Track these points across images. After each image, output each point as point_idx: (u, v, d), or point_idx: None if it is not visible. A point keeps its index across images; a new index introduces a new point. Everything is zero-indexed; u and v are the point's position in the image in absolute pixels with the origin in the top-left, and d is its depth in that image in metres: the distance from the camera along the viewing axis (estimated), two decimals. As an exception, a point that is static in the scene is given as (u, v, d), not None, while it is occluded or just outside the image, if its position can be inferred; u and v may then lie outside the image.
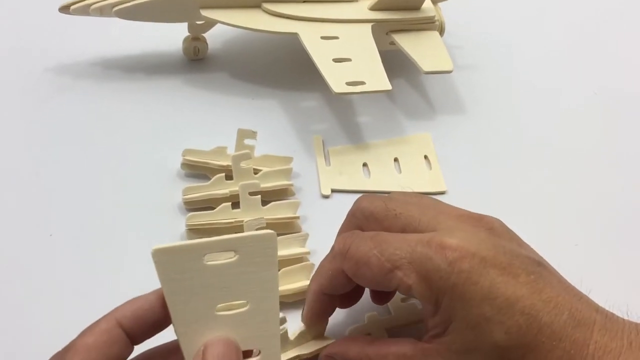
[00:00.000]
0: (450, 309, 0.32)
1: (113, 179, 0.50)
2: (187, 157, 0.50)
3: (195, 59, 0.59)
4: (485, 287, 0.32)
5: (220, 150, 0.50)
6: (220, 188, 0.48)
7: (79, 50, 0.58)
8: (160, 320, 0.30)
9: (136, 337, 0.30)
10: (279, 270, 0.41)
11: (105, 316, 0.30)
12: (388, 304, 0.43)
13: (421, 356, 0.34)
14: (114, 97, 0.55)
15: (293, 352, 0.39)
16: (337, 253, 0.37)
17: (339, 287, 0.38)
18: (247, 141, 0.50)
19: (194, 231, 0.46)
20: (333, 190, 0.51)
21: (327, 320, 0.40)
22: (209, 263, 0.28)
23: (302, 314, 0.40)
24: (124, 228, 0.47)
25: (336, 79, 0.50)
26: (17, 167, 0.50)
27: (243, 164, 0.48)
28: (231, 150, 0.50)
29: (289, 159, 0.51)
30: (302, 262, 0.44)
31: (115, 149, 0.52)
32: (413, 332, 0.41)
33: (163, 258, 0.27)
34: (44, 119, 0.53)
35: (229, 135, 0.50)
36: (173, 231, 0.47)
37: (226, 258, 0.28)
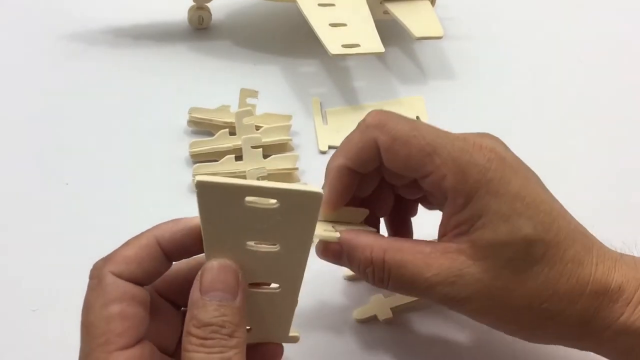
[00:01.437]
0: (483, 203, 0.33)
1: (124, 135, 0.53)
2: (193, 115, 0.53)
3: (200, 28, 0.63)
4: (517, 186, 0.34)
5: (224, 109, 0.54)
6: (224, 142, 0.51)
7: (91, 18, 0.61)
8: (197, 246, 0.31)
9: (172, 256, 0.32)
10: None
11: (145, 232, 0.31)
12: None
13: (440, 253, 0.34)
14: (124, 62, 0.59)
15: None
16: (372, 125, 0.36)
17: (367, 162, 0.36)
18: (249, 100, 0.54)
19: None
20: (330, 147, 0.54)
21: (345, 200, 0.38)
22: (248, 204, 0.28)
23: None
24: (136, 178, 0.50)
25: (332, 42, 0.54)
26: (34, 125, 0.53)
27: (245, 120, 0.51)
28: (234, 109, 0.53)
29: (288, 117, 0.54)
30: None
31: (125, 109, 0.55)
32: (419, 309, 0.44)
33: (205, 190, 0.27)
34: (58, 82, 0.57)
35: (233, 96, 0.54)
36: (181, 181, 0.50)
37: (267, 204, 0.28)
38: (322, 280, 0.45)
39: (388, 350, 0.43)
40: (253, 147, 0.50)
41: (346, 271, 0.46)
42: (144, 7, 0.63)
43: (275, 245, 0.30)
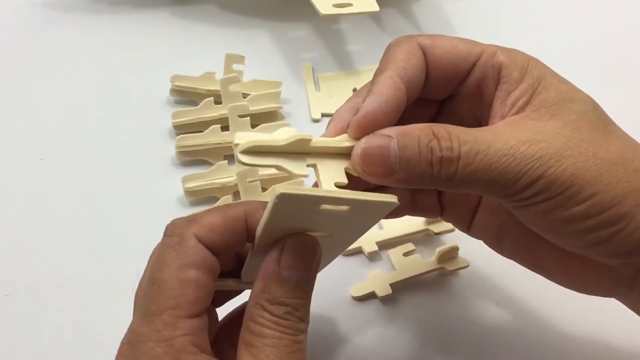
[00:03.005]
0: (540, 71, 0.31)
1: (102, 106, 0.50)
2: (176, 83, 0.50)
3: (183, -8, 0.59)
4: None
5: (209, 76, 0.50)
6: (209, 111, 0.48)
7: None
8: None
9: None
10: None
11: (235, 204, 0.30)
12: (390, 255, 0.43)
13: (504, 126, 0.30)
14: (102, 30, 0.55)
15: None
16: (413, 35, 0.33)
17: (418, 71, 0.32)
18: (236, 66, 0.50)
19: (184, 153, 0.46)
20: (323, 115, 0.51)
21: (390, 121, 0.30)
22: (322, 208, 0.27)
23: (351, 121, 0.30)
24: (116, 151, 0.47)
25: (322, 1, 0.50)
26: (8, 96, 0.50)
27: (232, 88, 0.48)
28: (220, 76, 0.50)
29: (277, 83, 0.51)
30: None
31: (104, 79, 0.52)
32: (418, 286, 0.42)
33: (284, 200, 0.26)
34: (33, 50, 0.53)
35: (218, 64, 0.50)
36: (164, 153, 0.47)
37: (339, 207, 0.27)
38: (315, 256, 0.42)
39: (386, 329, 0.40)
40: (240, 116, 0.47)
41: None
42: (123, -29, 0.59)
43: (329, 234, 0.29)
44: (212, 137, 0.46)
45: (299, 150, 0.28)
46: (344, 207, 0.27)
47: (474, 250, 0.43)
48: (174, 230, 0.29)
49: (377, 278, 0.42)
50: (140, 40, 0.55)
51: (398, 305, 0.41)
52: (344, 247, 0.33)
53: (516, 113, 0.31)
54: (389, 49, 0.33)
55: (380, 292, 0.41)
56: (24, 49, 0.53)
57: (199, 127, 0.48)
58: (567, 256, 0.33)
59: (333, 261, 0.43)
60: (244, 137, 0.27)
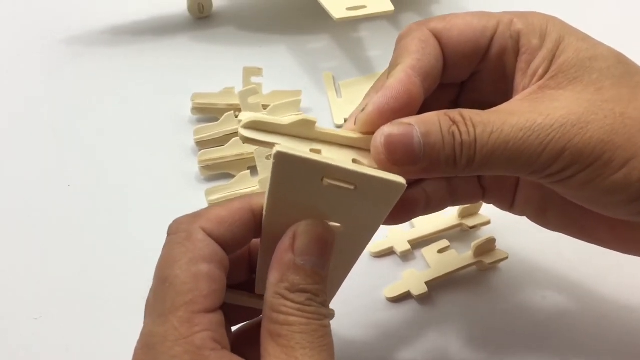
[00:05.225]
0: (558, 34, 0.29)
1: (126, 131, 0.50)
2: (197, 101, 0.50)
3: (201, 17, 0.60)
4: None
5: (228, 91, 0.50)
6: (229, 125, 0.48)
7: (90, 19, 0.59)
8: None
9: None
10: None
11: (239, 197, 0.29)
12: (424, 254, 0.41)
13: (520, 99, 0.29)
14: (125, 60, 0.56)
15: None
16: (423, 21, 0.31)
17: (434, 61, 0.30)
18: (254, 79, 0.50)
19: (207, 168, 0.46)
20: (346, 120, 0.50)
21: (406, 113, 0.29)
22: (325, 182, 0.26)
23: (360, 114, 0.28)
24: (141, 173, 0.47)
25: (336, 5, 0.50)
26: (36, 127, 0.51)
27: (251, 100, 0.48)
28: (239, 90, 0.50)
29: (297, 92, 0.50)
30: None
31: (127, 106, 0.52)
32: (455, 283, 0.40)
33: (283, 162, 0.25)
34: (58, 84, 0.54)
35: (239, 81, 0.50)
36: (187, 170, 0.47)
37: (344, 184, 0.26)
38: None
39: (424, 329, 0.38)
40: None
41: (372, 247, 0.41)
42: (142, 3, 0.60)
43: (338, 225, 0.28)
44: (233, 149, 0.46)
45: (304, 135, 0.27)
46: (350, 186, 0.26)
47: (512, 242, 0.41)
48: (179, 227, 0.28)
49: (411, 277, 0.40)
50: (161, 65, 0.55)
51: (436, 305, 0.39)
52: (360, 248, 0.30)
53: (539, 80, 0.29)
54: (400, 40, 0.31)
55: (415, 291, 0.39)
56: (50, 82, 0.54)
57: (220, 142, 0.47)
58: (617, 223, 0.31)
59: (365, 264, 0.41)
60: (249, 115, 0.27)
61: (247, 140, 0.26)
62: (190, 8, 0.59)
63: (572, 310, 0.39)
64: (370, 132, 0.28)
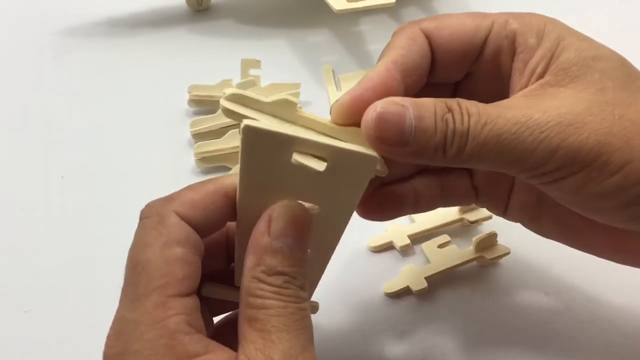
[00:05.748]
0: (557, 34, 0.29)
1: (122, 123, 0.49)
2: (194, 93, 0.49)
3: (200, 10, 0.59)
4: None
5: (226, 83, 0.49)
6: (227, 117, 0.47)
7: (86, 11, 0.58)
8: None
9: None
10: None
11: (213, 179, 0.29)
12: (424, 249, 0.40)
13: (521, 97, 0.28)
14: (122, 52, 0.55)
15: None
16: (417, 20, 0.31)
17: (418, 57, 0.29)
18: (252, 71, 0.49)
19: (203, 160, 0.45)
20: (345, 114, 0.49)
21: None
22: (295, 160, 0.25)
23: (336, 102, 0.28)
24: (136, 166, 0.46)
25: (336, -2, 0.49)
26: (30, 118, 0.50)
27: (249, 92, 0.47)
28: (237, 83, 0.49)
29: (296, 85, 0.49)
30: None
31: (124, 98, 0.51)
32: (456, 279, 0.39)
33: (251, 136, 0.25)
34: (54, 75, 0.53)
35: (237, 73, 0.50)
36: (183, 163, 0.46)
37: (314, 162, 0.25)
38: (345, 253, 0.40)
39: (423, 326, 0.37)
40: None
41: (371, 241, 0.40)
42: (140, -5, 0.60)
43: (314, 206, 0.27)
44: (230, 142, 0.45)
45: (285, 117, 0.26)
46: (319, 165, 0.25)
47: (514, 238, 0.40)
48: (151, 211, 0.27)
49: (411, 272, 0.39)
50: (158, 57, 0.55)
51: (435, 301, 0.38)
52: (338, 231, 0.29)
53: (538, 78, 0.28)
54: (392, 36, 0.31)
55: (415, 287, 0.38)
56: (45, 73, 0.53)
57: (217, 134, 0.46)
58: (615, 231, 0.30)
59: (363, 259, 0.41)
60: (232, 89, 0.26)
61: (227, 111, 0.26)
62: (188, 0, 0.58)
63: (574, 308, 0.38)
64: (346, 123, 0.27)
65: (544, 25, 0.29)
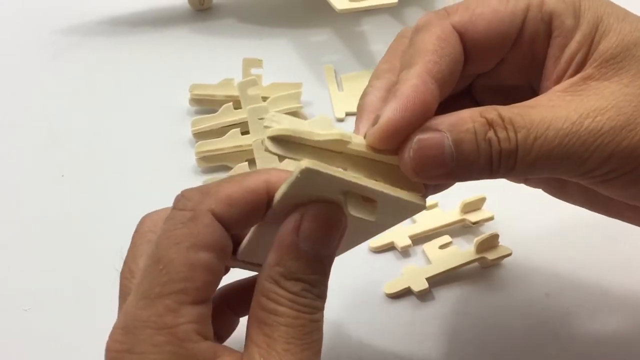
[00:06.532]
0: (594, 10, 0.26)
1: (123, 122, 0.49)
2: (195, 92, 0.49)
3: (202, 9, 0.59)
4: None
5: (227, 82, 0.49)
6: (228, 117, 0.47)
7: (87, 10, 0.58)
8: None
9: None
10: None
11: (253, 174, 0.26)
12: (425, 249, 0.40)
13: (561, 92, 0.26)
14: (123, 51, 0.55)
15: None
16: (445, 11, 0.28)
17: (454, 62, 0.27)
18: (254, 70, 0.49)
19: (204, 159, 0.45)
20: (347, 114, 0.49)
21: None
22: (349, 214, 0.24)
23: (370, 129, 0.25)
24: (136, 165, 0.46)
25: (338, -3, 0.49)
26: (30, 117, 0.50)
27: (250, 91, 0.47)
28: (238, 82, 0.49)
29: (298, 84, 0.49)
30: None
31: (125, 97, 0.51)
32: (457, 280, 0.39)
33: (308, 174, 0.23)
34: (55, 74, 0.53)
35: (239, 73, 0.49)
36: (184, 162, 0.46)
37: (367, 212, 0.25)
38: (345, 253, 0.39)
39: (424, 327, 0.37)
40: (260, 119, 0.45)
41: (372, 241, 0.40)
42: (142, -6, 0.59)
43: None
44: (231, 141, 0.45)
45: (335, 149, 0.25)
46: (371, 216, 0.25)
47: (515, 239, 0.40)
48: (186, 204, 0.25)
49: (411, 273, 0.39)
50: (160, 56, 0.54)
51: (436, 302, 0.38)
52: (362, 241, 0.30)
53: (575, 72, 0.26)
54: (417, 33, 0.28)
55: (416, 287, 0.38)
56: (46, 72, 0.53)
57: (218, 134, 0.46)
58: None
59: (364, 259, 0.40)
60: (278, 120, 0.23)
61: (272, 153, 0.23)
62: (190, 0, 0.58)
63: (576, 309, 0.38)
64: (382, 148, 0.25)
65: (579, 2, 0.27)
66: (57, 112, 0.50)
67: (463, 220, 0.41)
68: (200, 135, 0.47)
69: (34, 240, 0.42)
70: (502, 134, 0.24)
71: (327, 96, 0.51)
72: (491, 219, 0.41)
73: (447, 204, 0.42)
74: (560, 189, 0.32)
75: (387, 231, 0.40)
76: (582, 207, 0.32)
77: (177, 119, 0.49)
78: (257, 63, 0.49)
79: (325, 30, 0.57)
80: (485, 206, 0.41)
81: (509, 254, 0.39)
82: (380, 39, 0.56)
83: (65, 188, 0.45)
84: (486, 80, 0.30)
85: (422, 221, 0.41)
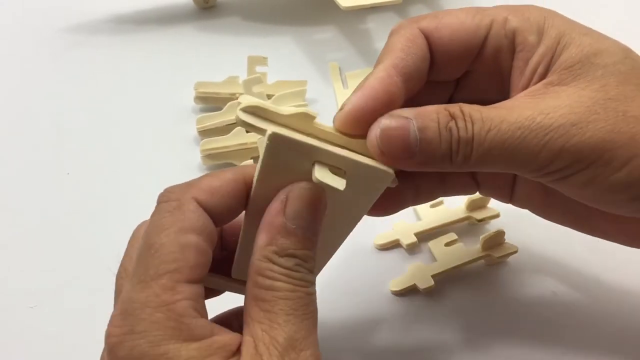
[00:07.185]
0: (557, 29, 0.28)
1: (128, 120, 0.49)
2: (200, 90, 0.49)
3: (206, 7, 0.59)
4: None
5: (232, 80, 0.49)
6: (233, 114, 0.47)
7: (92, 8, 0.58)
8: None
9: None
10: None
11: (233, 168, 0.28)
12: (431, 247, 0.40)
13: (523, 96, 0.28)
14: (128, 49, 0.55)
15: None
16: (416, 18, 0.31)
17: (418, 60, 0.29)
18: (259, 68, 0.49)
19: (209, 157, 0.45)
20: (352, 112, 0.49)
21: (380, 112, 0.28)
22: (317, 179, 0.25)
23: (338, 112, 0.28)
24: (141, 163, 0.46)
25: (343, -5, 0.49)
26: (35, 115, 0.50)
27: (255, 89, 0.47)
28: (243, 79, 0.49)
29: (303, 82, 0.49)
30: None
31: (129, 95, 0.51)
32: (463, 277, 0.39)
33: (277, 143, 0.25)
34: (60, 72, 0.53)
35: (243, 71, 0.49)
36: (189, 160, 0.46)
37: (335, 180, 0.26)
38: (351, 251, 0.40)
39: (429, 324, 0.37)
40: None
41: (377, 239, 0.40)
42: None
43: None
44: (236, 139, 0.45)
45: (301, 129, 0.26)
46: (341, 181, 0.26)
47: (521, 236, 0.40)
48: (169, 196, 0.27)
49: (417, 270, 0.38)
50: (165, 54, 0.54)
51: (442, 299, 0.38)
52: (343, 235, 0.30)
53: (538, 81, 0.28)
54: (390, 36, 0.31)
55: (421, 285, 0.38)
56: (51, 70, 0.53)
57: (223, 131, 0.46)
58: (622, 218, 0.30)
59: (370, 257, 0.40)
60: (249, 99, 0.26)
61: (243, 123, 0.26)
62: (194, -2, 0.58)
63: (583, 307, 0.38)
64: (348, 132, 0.27)
65: (543, 21, 0.29)
66: (62, 110, 0.50)
67: (469, 217, 0.41)
68: (205, 133, 0.46)
69: (39, 238, 0.42)
70: (461, 124, 0.27)
71: (332, 94, 0.51)
72: (497, 216, 0.41)
73: (453, 201, 0.42)
74: (543, 209, 0.33)
75: (392, 229, 0.41)
76: (565, 226, 0.33)
77: (182, 117, 0.49)
78: (262, 61, 0.49)
79: (330, 28, 0.57)
80: (490, 204, 0.41)
81: (515, 252, 0.39)
82: (385, 37, 0.54)
83: (70, 186, 0.45)
84: (463, 94, 0.32)
85: (428, 218, 0.41)
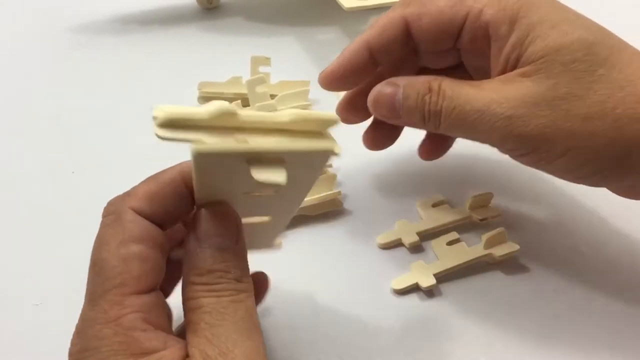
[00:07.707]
0: (528, 20, 0.31)
1: (131, 119, 0.50)
2: (203, 90, 0.49)
3: (210, 7, 0.59)
4: (558, 4, 0.33)
5: (236, 80, 0.50)
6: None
7: (97, 8, 0.59)
8: None
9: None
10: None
11: (169, 168, 0.28)
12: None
13: (496, 82, 0.32)
14: (132, 49, 0.56)
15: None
16: (407, 1, 0.35)
17: (389, 41, 0.35)
18: (262, 68, 0.49)
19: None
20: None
21: (349, 82, 0.37)
22: (256, 180, 0.24)
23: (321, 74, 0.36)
24: (145, 161, 0.46)
25: (346, -4, 0.49)
26: (41, 115, 0.50)
27: (259, 89, 0.47)
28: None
29: (306, 82, 0.49)
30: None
31: (134, 94, 0.52)
32: (465, 276, 0.39)
33: (202, 158, 0.23)
34: (65, 71, 0.54)
35: (247, 71, 0.50)
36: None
37: (274, 174, 0.24)
38: (353, 249, 0.40)
39: (431, 323, 0.37)
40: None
41: (380, 238, 0.40)
42: (151, -7, 0.60)
43: (272, 193, 0.27)
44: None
45: (229, 125, 0.25)
46: (281, 174, 0.24)
47: (523, 235, 0.40)
48: (109, 209, 0.27)
49: (419, 269, 0.39)
50: (168, 54, 0.55)
51: (444, 298, 0.38)
52: (297, 203, 0.29)
53: (511, 69, 0.32)
54: (376, 20, 0.36)
55: (423, 283, 0.38)
56: (56, 70, 0.54)
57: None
58: None
59: (372, 255, 0.41)
60: (163, 109, 0.24)
61: (164, 139, 0.24)
62: (198, -2, 0.59)
63: (585, 306, 0.38)
64: (330, 90, 0.37)
65: (518, 11, 0.32)
66: (66, 110, 0.50)
67: (471, 216, 0.41)
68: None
69: (44, 236, 0.42)
70: (434, 98, 0.33)
71: (334, 94, 0.51)
72: (499, 215, 0.41)
73: (455, 200, 0.42)
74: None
75: (394, 228, 0.41)
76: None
77: (186, 117, 0.49)
78: (265, 61, 0.49)
79: (333, 29, 0.58)
80: (492, 202, 0.42)
81: (517, 250, 0.39)
82: (387, 37, 0.56)
83: (75, 185, 0.45)
84: (468, 60, 0.36)
85: (430, 218, 0.41)
